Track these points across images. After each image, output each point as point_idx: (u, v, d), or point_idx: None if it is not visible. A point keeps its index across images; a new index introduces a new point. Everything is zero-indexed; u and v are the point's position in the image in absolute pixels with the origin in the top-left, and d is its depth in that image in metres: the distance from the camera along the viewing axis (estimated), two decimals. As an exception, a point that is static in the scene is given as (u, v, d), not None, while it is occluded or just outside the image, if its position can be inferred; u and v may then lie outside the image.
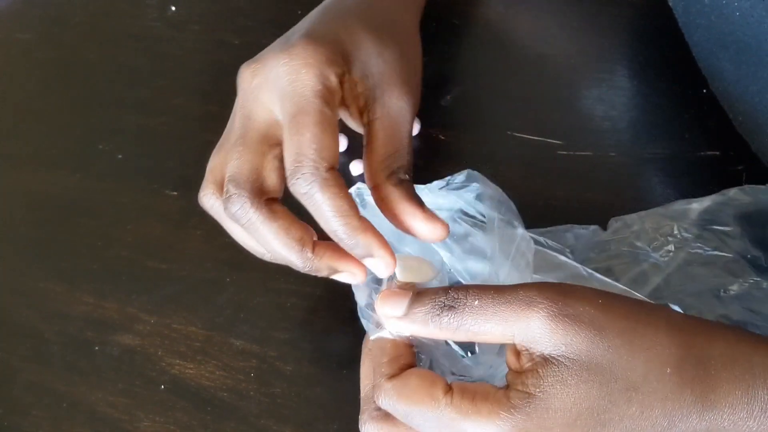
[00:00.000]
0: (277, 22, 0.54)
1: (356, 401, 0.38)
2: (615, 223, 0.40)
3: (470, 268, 0.38)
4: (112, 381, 0.41)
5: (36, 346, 0.43)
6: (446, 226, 0.34)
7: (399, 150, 0.35)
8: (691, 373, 0.27)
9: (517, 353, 0.29)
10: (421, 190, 0.38)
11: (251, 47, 0.54)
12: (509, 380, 0.29)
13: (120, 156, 0.50)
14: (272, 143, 0.34)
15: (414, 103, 0.37)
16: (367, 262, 0.33)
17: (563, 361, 0.27)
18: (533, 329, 0.28)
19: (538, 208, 0.41)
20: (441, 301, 0.29)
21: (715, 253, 0.38)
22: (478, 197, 0.38)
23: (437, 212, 0.34)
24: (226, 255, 0.44)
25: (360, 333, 0.41)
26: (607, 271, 0.39)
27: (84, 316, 0.43)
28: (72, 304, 0.44)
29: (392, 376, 0.30)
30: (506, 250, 0.37)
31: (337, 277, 0.35)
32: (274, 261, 0.36)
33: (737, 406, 0.27)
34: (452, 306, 0.29)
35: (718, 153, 0.44)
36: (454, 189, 0.39)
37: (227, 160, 0.34)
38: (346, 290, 0.41)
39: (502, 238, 0.37)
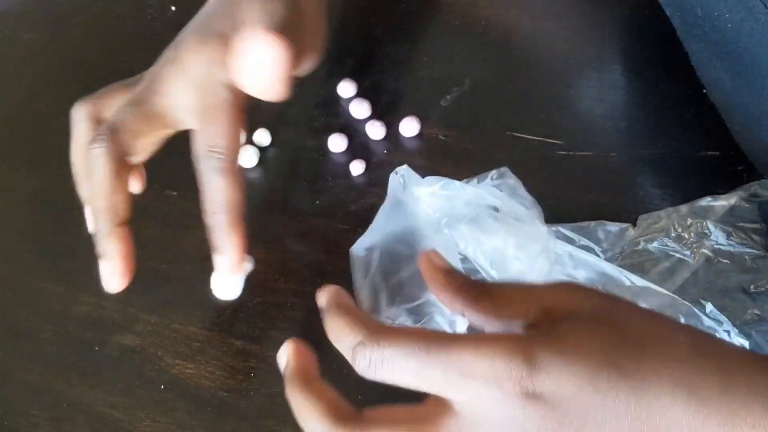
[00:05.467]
0: (278, 22, 0.54)
1: (356, 401, 0.38)
2: (644, 220, 0.41)
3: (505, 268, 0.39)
4: (111, 381, 0.41)
5: (35, 346, 0.43)
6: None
7: None
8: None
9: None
10: (452, 184, 0.40)
11: (251, 47, 0.54)
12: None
13: (120, 156, 0.50)
14: (165, 120, 0.37)
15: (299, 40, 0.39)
16: (217, 257, 0.36)
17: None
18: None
19: (538, 208, 0.41)
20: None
21: (743, 249, 0.39)
22: (506, 191, 0.41)
23: (468, 207, 0.39)
24: (226, 255, 0.44)
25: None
26: (636, 267, 0.40)
27: (84, 316, 0.43)
28: (72, 304, 0.44)
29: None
30: (529, 247, 0.39)
31: (102, 267, 0.37)
32: (86, 198, 0.38)
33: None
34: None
35: (718, 153, 0.44)
36: (488, 185, 0.41)
37: (123, 108, 0.37)
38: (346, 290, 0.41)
39: (525, 232, 0.39)
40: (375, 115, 0.49)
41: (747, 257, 0.39)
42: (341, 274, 0.43)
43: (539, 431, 0.25)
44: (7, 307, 0.44)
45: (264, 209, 0.46)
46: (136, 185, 0.40)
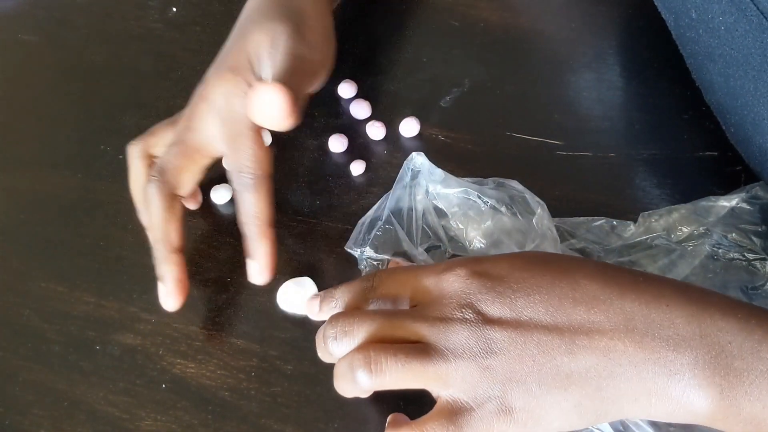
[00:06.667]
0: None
1: (356, 400, 0.38)
2: (645, 218, 0.41)
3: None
4: (113, 380, 0.41)
5: (37, 346, 0.43)
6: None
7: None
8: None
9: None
10: (471, 193, 0.42)
11: (252, 49, 0.54)
12: None
13: (121, 157, 0.50)
14: (205, 153, 0.42)
15: (312, 51, 0.43)
16: (249, 262, 0.40)
17: None
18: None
19: (537, 208, 0.41)
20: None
21: (743, 250, 0.39)
22: (511, 197, 0.42)
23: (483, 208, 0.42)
24: (227, 254, 0.45)
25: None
26: (636, 263, 0.40)
27: (85, 315, 0.43)
28: (73, 303, 0.44)
29: None
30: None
31: (159, 288, 0.41)
32: (146, 227, 0.43)
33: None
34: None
35: (716, 153, 0.44)
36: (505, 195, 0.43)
37: (168, 149, 0.42)
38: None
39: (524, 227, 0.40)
40: (375, 115, 0.49)
41: (746, 258, 0.39)
42: (341, 274, 0.43)
43: (486, 297, 0.32)
44: (9, 306, 0.45)
45: (264, 209, 0.46)
46: (193, 204, 0.47)
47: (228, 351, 0.41)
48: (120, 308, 0.43)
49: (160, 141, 0.44)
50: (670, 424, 0.34)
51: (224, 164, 0.43)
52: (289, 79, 0.40)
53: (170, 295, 0.41)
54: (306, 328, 0.41)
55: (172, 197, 0.41)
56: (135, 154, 0.44)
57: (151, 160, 0.43)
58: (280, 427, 0.39)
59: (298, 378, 0.40)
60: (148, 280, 0.44)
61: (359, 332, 0.34)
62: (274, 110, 0.38)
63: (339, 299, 0.37)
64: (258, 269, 0.40)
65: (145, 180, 0.42)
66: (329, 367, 0.40)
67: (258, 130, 0.41)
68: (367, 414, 0.38)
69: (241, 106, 0.40)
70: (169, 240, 0.41)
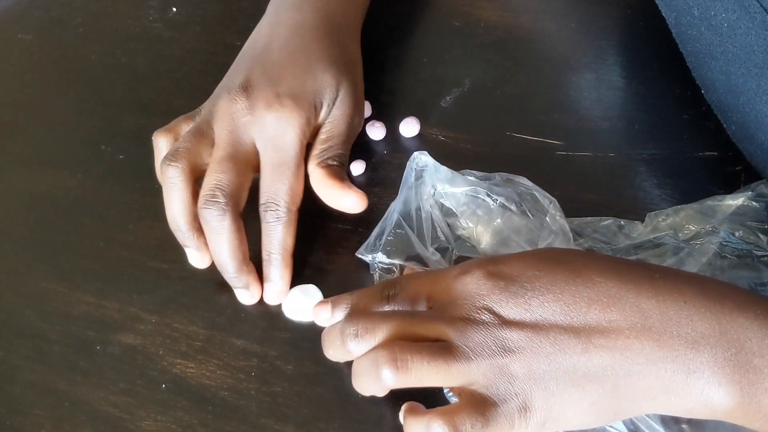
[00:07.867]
0: (278, 23, 0.54)
1: (357, 400, 0.38)
2: (652, 218, 0.41)
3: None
4: (113, 380, 0.41)
5: (37, 346, 0.43)
6: (360, 195, 0.42)
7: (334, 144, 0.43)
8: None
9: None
10: (479, 191, 0.42)
11: (252, 48, 0.54)
12: None
13: (121, 156, 0.50)
14: (253, 166, 0.42)
15: (360, 114, 0.46)
16: (267, 284, 0.42)
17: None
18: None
19: (537, 208, 0.41)
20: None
21: (750, 247, 0.40)
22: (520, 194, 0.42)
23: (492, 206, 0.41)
24: (227, 255, 0.45)
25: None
26: (643, 261, 0.40)
27: (85, 315, 0.43)
28: (73, 303, 0.44)
29: None
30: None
31: (238, 292, 0.42)
32: (197, 260, 0.43)
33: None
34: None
35: (716, 153, 0.44)
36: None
37: (214, 167, 0.41)
38: (346, 290, 0.41)
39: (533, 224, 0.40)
40: (375, 115, 0.49)
41: (754, 254, 0.39)
42: (341, 274, 0.43)
43: (500, 298, 0.33)
44: (10, 306, 0.45)
45: (265, 209, 0.46)
46: None
47: (228, 351, 0.41)
48: (120, 308, 0.43)
49: (198, 157, 0.41)
50: (679, 421, 0.34)
51: (261, 189, 0.42)
52: (344, 150, 0.43)
53: (253, 297, 0.42)
54: (306, 329, 0.41)
55: (239, 218, 0.41)
56: (178, 174, 0.40)
57: (194, 176, 0.41)
58: (280, 427, 0.39)
59: (298, 378, 0.40)
60: (148, 280, 0.44)
61: (381, 330, 0.34)
62: (352, 209, 0.42)
63: (352, 304, 0.37)
64: (276, 292, 0.42)
65: (199, 203, 0.40)
66: (329, 367, 0.40)
67: (301, 164, 0.42)
68: (368, 414, 0.38)
69: (293, 139, 0.41)
70: (244, 257, 0.41)
